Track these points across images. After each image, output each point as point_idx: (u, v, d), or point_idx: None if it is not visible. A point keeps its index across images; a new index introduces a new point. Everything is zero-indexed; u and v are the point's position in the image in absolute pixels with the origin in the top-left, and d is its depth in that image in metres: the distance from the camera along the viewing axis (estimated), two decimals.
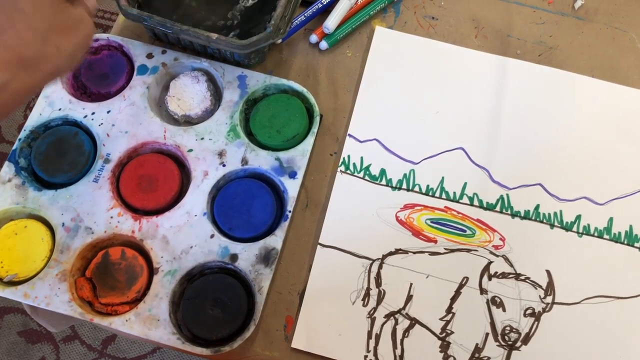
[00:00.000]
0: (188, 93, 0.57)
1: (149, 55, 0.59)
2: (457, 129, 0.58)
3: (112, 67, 0.59)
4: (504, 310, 0.52)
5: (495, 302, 0.52)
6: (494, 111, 0.59)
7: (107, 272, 0.51)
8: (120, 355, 1.13)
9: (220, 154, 0.55)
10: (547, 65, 0.61)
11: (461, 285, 0.52)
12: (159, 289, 0.50)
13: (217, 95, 0.59)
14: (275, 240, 0.52)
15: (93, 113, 0.57)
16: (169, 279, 0.51)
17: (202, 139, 0.56)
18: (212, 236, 0.52)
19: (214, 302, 0.50)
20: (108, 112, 0.57)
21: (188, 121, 0.58)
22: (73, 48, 0.39)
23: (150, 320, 0.49)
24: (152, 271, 0.51)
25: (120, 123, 0.56)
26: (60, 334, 1.16)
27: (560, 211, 0.55)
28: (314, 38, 0.62)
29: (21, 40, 0.35)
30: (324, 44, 0.61)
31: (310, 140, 0.56)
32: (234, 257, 0.51)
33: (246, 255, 0.51)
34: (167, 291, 0.50)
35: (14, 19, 0.36)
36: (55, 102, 0.57)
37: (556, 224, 0.55)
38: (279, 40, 0.60)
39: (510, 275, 0.53)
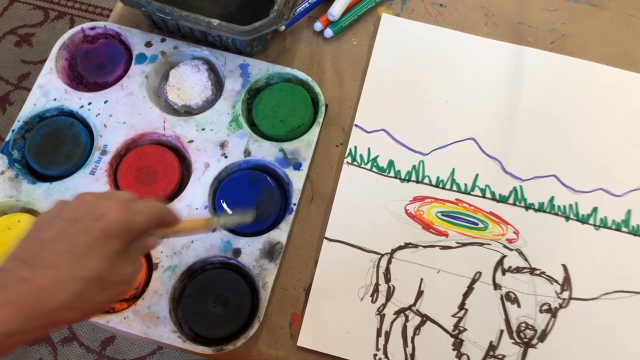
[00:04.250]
0: (188, 82, 0.55)
1: (148, 44, 0.57)
2: (468, 119, 0.56)
3: (110, 56, 0.57)
4: (519, 306, 0.49)
5: (510, 298, 0.50)
6: (506, 100, 0.57)
7: None
8: (120, 357, 1.10)
9: (222, 145, 0.53)
10: (560, 53, 0.59)
11: (474, 281, 0.50)
12: (159, 285, 0.48)
13: (218, 84, 0.57)
14: (280, 234, 0.50)
15: (90, 103, 0.55)
16: (169, 274, 0.48)
17: (203, 129, 0.54)
18: (214, 230, 0.49)
19: (216, 299, 0.48)
20: (105, 102, 0.55)
21: (188, 111, 0.56)
22: (100, 305, 0.33)
23: (149, 318, 0.47)
24: (151, 267, 0.49)
25: (118, 113, 0.54)
26: (58, 335, 1.13)
27: (576, 203, 0.53)
28: (318, 26, 0.59)
29: (57, 289, 0.31)
30: (328, 32, 0.59)
31: (315, 131, 0.54)
32: (237, 252, 0.49)
33: (249, 249, 0.49)
34: (167, 287, 0.48)
35: (62, 257, 0.31)
36: (50, 92, 0.55)
37: (572, 216, 0.52)
38: (283, 27, 0.58)
39: (525, 270, 0.51)
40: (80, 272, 0.32)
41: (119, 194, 0.36)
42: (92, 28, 0.58)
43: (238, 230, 0.51)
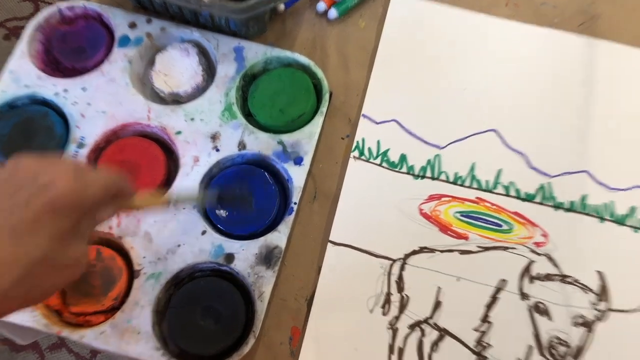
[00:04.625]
0: (176, 68, 0.50)
1: (132, 25, 0.51)
2: (489, 109, 0.51)
3: (89, 39, 0.52)
4: (549, 318, 0.44)
5: (539, 309, 0.44)
6: (531, 88, 0.51)
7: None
8: None
9: (214, 137, 0.48)
10: (589, 35, 0.53)
11: (498, 290, 0.45)
12: (140, 295, 0.43)
13: (209, 70, 0.52)
14: (279, 238, 0.45)
15: (66, 90, 0.49)
16: (152, 283, 0.43)
17: (192, 119, 0.48)
18: (203, 233, 0.45)
19: (205, 311, 0.42)
20: (83, 89, 0.49)
21: (176, 100, 0.51)
22: (47, 292, 0.29)
23: (129, 333, 0.41)
24: (132, 274, 0.44)
25: (98, 102, 0.49)
26: (46, 340, 1.08)
27: (612, 202, 0.47)
28: (321, 6, 0.54)
29: None
30: (333, 13, 0.54)
31: (318, 121, 0.48)
32: (230, 258, 0.44)
33: (244, 255, 0.44)
34: (150, 298, 0.43)
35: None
36: (21, 77, 0.49)
37: (607, 217, 0.47)
38: (282, 7, 0.52)
39: (556, 277, 0.45)
40: (22, 254, 0.26)
41: (67, 159, 0.30)
42: (70, 8, 0.52)
43: (231, 234, 0.45)
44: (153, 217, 0.45)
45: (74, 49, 0.51)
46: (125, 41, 0.51)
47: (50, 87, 0.49)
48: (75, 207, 0.28)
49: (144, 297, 0.43)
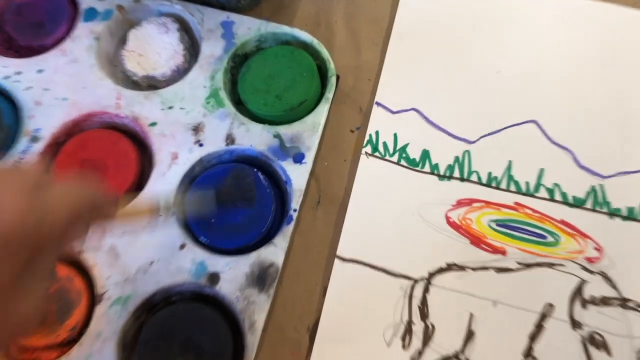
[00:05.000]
0: (153, 46, 0.43)
1: None
2: (527, 95, 0.43)
3: (49, 12, 0.45)
4: (608, 353, 0.36)
5: (595, 342, 0.36)
6: (577, 71, 0.44)
7: None
8: None
9: (196, 129, 0.40)
10: None
11: (544, 317, 0.37)
12: (104, 325, 0.35)
13: (192, 49, 0.45)
14: (274, 253, 0.37)
15: (18, 73, 0.42)
16: (118, 310, 0.35)
17: (171, 108, 0.41)
18: (182, 247, 0.37)
19: (184, 345, 0.35)
20: (40, 71, 0.42)
21: (152, 84, 0.44)
22: None
23: None
24: (93, 299, 0.36)
25: (57, 87, 0.42)
26: None
27: None
28: None
29: None
30: None
31: (323, 110, 0.41)
32: (214, 278, 0.36)
33: (232, 274, 0.37)
34: (116, 328, 0.35)
35: None
36: None
37: None
38: None
39: (614, 302, 0.37)
40: None
41: (21, 173, 0.22)
42: None
43: (216, 248, 0.38)
44: (121, 228, 0.37)
45: (30, 24, 0.44)
46: (91, 15, 0.44)
47: (0, 69, 0.41)
48: (27, 242, 0.20)
49: (108, 327, 0.35)
